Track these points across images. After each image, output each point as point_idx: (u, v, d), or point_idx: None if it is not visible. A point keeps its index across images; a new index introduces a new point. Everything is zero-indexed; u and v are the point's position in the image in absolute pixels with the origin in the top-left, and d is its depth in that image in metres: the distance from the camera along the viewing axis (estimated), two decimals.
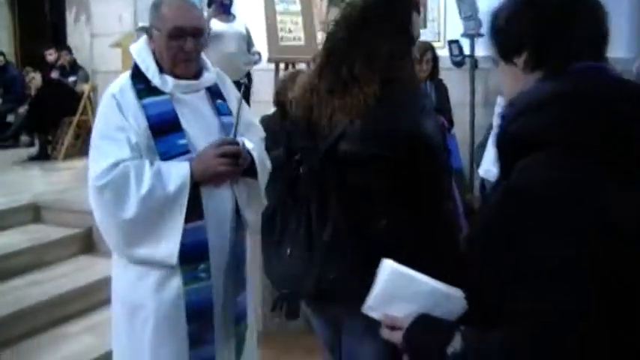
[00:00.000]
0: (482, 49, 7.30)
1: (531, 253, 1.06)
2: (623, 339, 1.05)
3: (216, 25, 6.50)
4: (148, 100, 2.23)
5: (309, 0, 7.57)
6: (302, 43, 7.23)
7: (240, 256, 2.39)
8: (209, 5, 6.69)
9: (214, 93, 2.39)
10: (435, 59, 5.45)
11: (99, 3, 7.94)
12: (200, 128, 2.28)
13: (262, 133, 2.60)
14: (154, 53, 2.28)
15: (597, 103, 1.10)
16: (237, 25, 6.93)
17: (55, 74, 8.90)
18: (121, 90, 2.25)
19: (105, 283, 4.24)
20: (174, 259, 2.16)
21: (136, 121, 2.19)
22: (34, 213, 5.29)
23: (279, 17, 7.11)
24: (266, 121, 4.12)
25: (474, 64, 7.04)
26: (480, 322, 1.16)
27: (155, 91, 2.25)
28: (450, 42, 7.01)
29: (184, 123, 2.24)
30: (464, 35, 7.22)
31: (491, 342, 1.10)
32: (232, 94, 2.47)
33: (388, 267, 1.33)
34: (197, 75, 2.34)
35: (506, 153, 1.16)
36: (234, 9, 6.82)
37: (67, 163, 7.77)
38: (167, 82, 2.26)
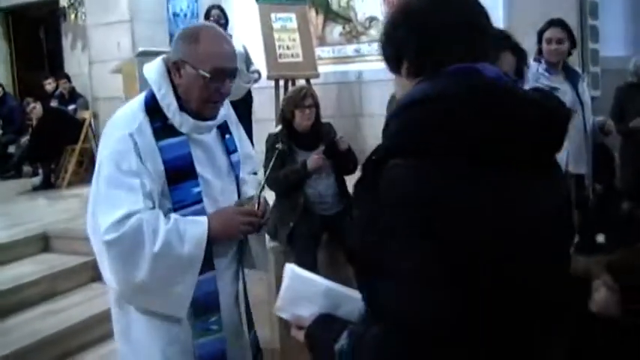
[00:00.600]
0: None
1: (386, 254, 1.12)
2: (480, 331, 1.11)
3: None
4: (164, 142, 2.04)
5: (306, 16, 7.60)
6: (300, 59, 7.28)
7: (246, 296, 2.36)
8: None
9: (223, 128, 2.27)
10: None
11: (96, 30, 7.99)
12: (213, 171, 2.17)
13: (255, 166, 2.53)
14: (173, 86, 2.08)
15: (455, 102, 1.14)
16: (235, 45, 6.93)
17: (54, 103, 8.93)
18: (139, 129, 2.03)
19: None
20: (183, 313, 2.07)
21: (153, 166, 2.02)
22: (43, 243, 5.30)
23: (276, 35, 7.16)
24: (272, 139, 4.15)
25: None
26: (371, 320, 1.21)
27: (171, 131, 2.07)
28: None
29: (198, 167, 2.10)
30: None
31: (366, 339, 1.15)
32: (234, 121, 2.40)
33: (289, 270, 1.44)
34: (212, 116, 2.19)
35: (385, 154, 1.19)
36: (230, 28, 6.85)
37: (71, 190, 7.76)
38: (187, 123, 2.08)
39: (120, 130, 2.04)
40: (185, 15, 8.34)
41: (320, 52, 8.12)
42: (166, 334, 2.10)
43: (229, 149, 2.27)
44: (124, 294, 2.07)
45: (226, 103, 2.27)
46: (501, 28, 1.30)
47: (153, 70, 2.12)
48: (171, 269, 1.99)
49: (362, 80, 7.82)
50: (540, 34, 4.31)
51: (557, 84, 4.10)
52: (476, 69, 1.21)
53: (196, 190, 2.08)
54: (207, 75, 2.02)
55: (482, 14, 1.29)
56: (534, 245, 1.16)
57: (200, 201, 2.09)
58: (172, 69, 2.07)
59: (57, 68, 10.13)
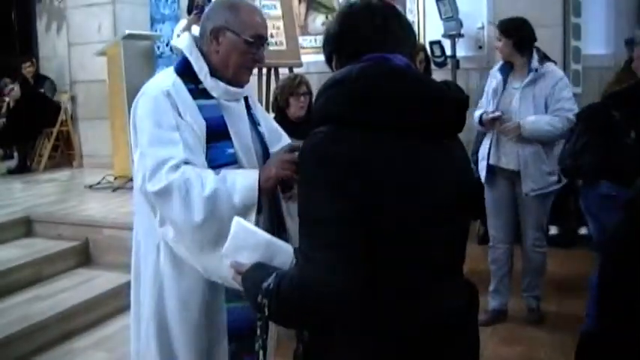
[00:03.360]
0: (464, 49, 7.43)
1: (305, 205, 1.37)
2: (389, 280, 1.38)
3: (197, 32, 6.43)
4: (200, 102, 2.10)
5: (290, 4, 7.56)
6: (284, 47, 7.22)
7: None
8: (189, 12, 6.63)
9: (248, 102, 2.32)
10: (428, 59, 5.52)
11: (76, 11, 7.83)
12: (243, 138, 2.19)
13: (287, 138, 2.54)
14: (203, 54, 2.15)
15: (364, 80, 1.41)
16: None
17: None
18: (174, 86, 2.08)
19: (108, 297, 4.27)
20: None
21: (193, 119, 2.05)
22: (26, 227, 5.21)
23: None
24: None
25: (456, 64, 7.12)
26: None
27: (204, 94, 2.13)
28: (432, 43, 7.07)
29: (232, 134, 2.14)
30: (444, 36, 7.29)
31: (287, 277, 1.36)
32: (255, 99, 2.45)
33: (235, 222, 1.62)
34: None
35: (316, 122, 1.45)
36: None
37: (47, 174, 7.66)
38: (218, 87, 2.14)
39: (154, 91, 2.09)
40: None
41: (302, 41, 8.08)
42: (200, 296, 2.10)
43: (256, 121, 2.32)
44: (185, 241, 2.03)
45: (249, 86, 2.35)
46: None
47: (183, 40, 2.22)
48: (222, 219, 1.93)
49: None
50: None
51: (515, 82, 4.10)
52: (386, 57, 1.49)
53: (230, 150, 2.11)
54: (250, 40, 2.11)
55: (397, 17, 1.58)
56: (429, 204, 1.41)
57: (234, 162, 2.11)
58: (209, 37, 2.13)
59: (29, 50, 9.92)
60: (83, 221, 5.07)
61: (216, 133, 2.09)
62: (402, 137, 1.39)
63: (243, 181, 2.00)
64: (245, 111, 2.27)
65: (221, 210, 1.95)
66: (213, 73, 2.15)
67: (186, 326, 2.11)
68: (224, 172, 2.01)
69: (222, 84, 2.14)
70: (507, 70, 4.15)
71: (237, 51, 2.12)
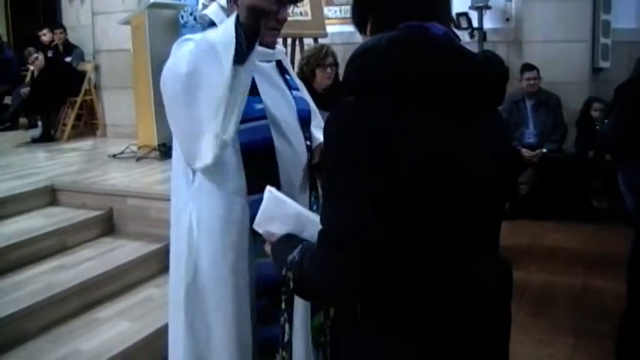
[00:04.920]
0: (491, 21, 7.30)
1: (328, 177, 1.33)
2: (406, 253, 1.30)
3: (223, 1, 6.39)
4: None
5: None
6: (309, 18, 7.14)
7: None
8: None
9: (282, 67, 2.31)
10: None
11: None
12: (275, 98, 2.18)
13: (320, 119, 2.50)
14: None
15: (394, 50, 1.33)
16: None
17: (48, 54, 8.72)
18: (202, 38, 2.01)
19: (131, 266, 4.27)
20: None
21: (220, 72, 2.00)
22: (51, 196, 5.22)
23: None
24: None
25: (483, 36, 7.00)
26: None
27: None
28: (458, 14, 6.95)
29: (260, 90, 2.13)
30: (471, 8, 7.18)
31: (310, 250, 1.36)
32: (293, 71, 2.43)
33: (267, 192, 1.64)
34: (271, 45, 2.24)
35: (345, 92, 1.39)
36: None
37: (71, 144, 7.67)
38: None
39: (184, 40, 2.03)
40: None
41: (327, 11, 7.99)
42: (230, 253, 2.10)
43: (290, 85, 2.29)
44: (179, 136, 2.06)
45: (283, 51, 2.38)
46: None
47: (210, 7, 2.22)
48: (208, 57, 1.90)
49: None
50: None
51: None
52: (423, 26, 1.38)
53: (259, 106, 2.10)
54: None
55: None
56: (461, 180, 1.33)
57: (264, 117, 2.10)
58: (230, 3, 2.11)
59: (52, 19, 9.91)
60: (107, 191, 5.07)
61: None
62: (432, 110, 1.30)
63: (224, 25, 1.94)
64: (277, 73, 2.26)
65: (204, 52, 1.91)
66: None
67: (217, 284, 2.12)
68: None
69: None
70: None
71: None
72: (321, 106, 4.26)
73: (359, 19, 1.49)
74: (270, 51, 2.22)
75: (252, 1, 1.91)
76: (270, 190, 1.64)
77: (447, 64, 1.34)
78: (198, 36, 1.99)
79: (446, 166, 1.31)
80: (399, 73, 1.30)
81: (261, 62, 2.19)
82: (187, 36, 2.05)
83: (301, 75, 4.25)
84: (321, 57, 4.15)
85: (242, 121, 2.02)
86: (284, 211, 1.58)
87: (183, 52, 1.96)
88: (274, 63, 2.27)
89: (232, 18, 1.91)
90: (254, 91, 2.09)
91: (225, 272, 2.12)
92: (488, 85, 1.41)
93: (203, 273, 2.14)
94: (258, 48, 2.11)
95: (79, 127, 8.36)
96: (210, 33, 1.95)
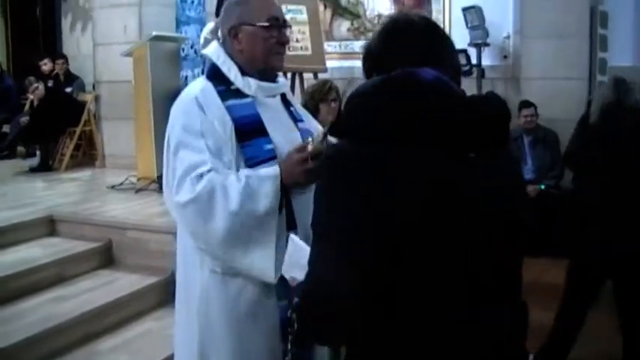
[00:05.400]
0: (489, 58, 7.37)
1: (315, 213, 1.34)
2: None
3: None
4: (231, 102, 2.10)
5: (316, 10, 7.54)
6: (309, 52, 7.21)
7: None
8: (217, 14, 6.63)
9: (286, 99, 2.31)
10: None
11: (102, 11, 7.82)
12: (283, 134, 2.16)
13: None
14: (230, 57, 2.17)
15: (377, 96, 1.39)
16: None
17: (49, 84, 8.76)
18: (202, 91, 2.10)
19: (130, 299, 4.25)
20: (271, 272, 1.98)
21: (221, 124, 2.04)
22: (50, 226, 5.20)
23: None
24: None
25: (481, 73, 7.07)
26: None
27: (237, 93, 2.13)
28: (458, 51, 7.01)
29: (268, 128, 2.11)
30: (470, 45, 7.26)
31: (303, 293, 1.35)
32: (295, 101, 2.43)
33: (290, 239, 1.73)
34: (274, 79, 2.25)
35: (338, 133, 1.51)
36: None
37: (70, 174, 7.66)
38: (250, 84, 2.14)
39: (184, 99, 2.12)
40: (192, 2, 8.21)
41: (326, 46, 8.06)
42: (250, 295, 2.06)
43: (296, 117, 2.30)
44: (213, 254, 2.05)
45: (285, 83, 2.38)
46: None
47: (210, 47, 2.25)
48: (249, 227, 1.97)
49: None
50: None
51: None
52: (410, 71, 1.42)
53: (268, 146, 2.09)
54: (266, 24, 2.13)
55: (437, 32, 1.56)
56: (457, 221, 1.32)
57: (274, 157, 2.07)
58: (230, 37, 2.16)
59: (52, 48, 9.96)
60: (106, 222, 5.06)
61: (250, 131, 2.08)
62: (420, 153, 1.32)
63: (267, 184, 1.99)
64: (283, 107, 2.27)
65: (246, 221, 1.97)
66: (244, 72, 2.15)
67: (232, 327, 2.07)
68: (246, 177, 1.99)
69: (253, 80, 2.15)
70: None
71: (259, 39, 2.13)
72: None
73: (367, 73, 1.57)
74: (275, 85, 2.24)
75: (304, 170, 1.98)
76: (292, 237, 1.72)
77: (428, 107, 1.36)
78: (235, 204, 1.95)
79: (439, 208, 1.30)
80: (381, 116, 1.35)
81: (267, 98, 2.20)
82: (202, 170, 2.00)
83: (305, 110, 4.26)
84: (324, 92, 4.17)
85: (252, 164, 2.04)
86: (304, 257, 1.58)
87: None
88: (279, 97, 2.28)
89: (277, 183, 1.97)
90: (263, 130, 2.10)
91: (241, 316, 2.08)
92: (478, 125, 1.40)
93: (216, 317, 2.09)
94: (263, 84, 2.17)
95: (77, 157, 8.36)
96: (251, 181, 1.97)
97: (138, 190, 6.11)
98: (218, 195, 1.95)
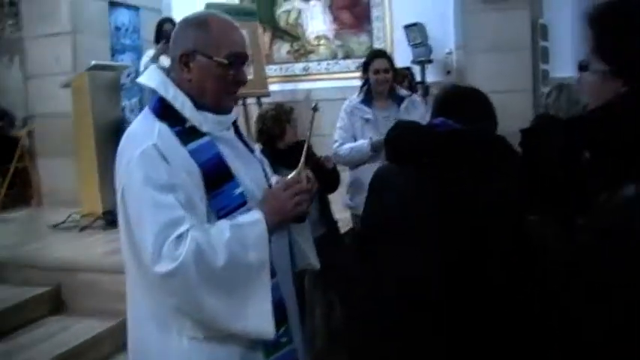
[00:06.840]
0: (433, 74, 7.38)
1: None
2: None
3: (166, 61, 6.24)
4: (193, 145, 1.83)
5: (257, 33, 7.43)
6: (251, 77, 7.06)
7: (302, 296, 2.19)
8: (157, 41, 6.42)
9: (238, 129, 2.07)
10: (411, 85, 5.65)
11: (34, 41, 7.45)
12: (248, 173, 1.95)
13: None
14: (179, 86, 1.90)
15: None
16: None
17: None
18: (160, 137, 1.80)
19: (87, 347, 3.95)
20: (270, 329, 1.79)
21: (188, 174, 1.79)
22: None
23: None
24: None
25: (425, 90, 7.06)
26: None
27: (194, 133, 1.85)
28: (402, 69, 7.01)
29: (233, 168, 1.88)
30: (414, 62, 7.26)
31: None
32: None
33: None
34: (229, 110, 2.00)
35: None
36: None
37: (4, 214, 7.23)
38: (207, 119, 1.88)
39: (139, 147, 1.79)
40: (127, 29, 7.97)
41: (267, 70, 7.94)
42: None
43: (251, 148, 2.09)
44: (201, 320, 1.81)
45: (235, 110, 2.12)
46: None
47: (151, 75, 1.95)
48: (243, 282, 1.78)
49: (311, 99, 7.69)
50: (366, 65, 4.56)
51: (383, 112, 4.49)
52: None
53: (238, 191, 1.86)
54: (225, 61, 1.86)
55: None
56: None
57: (244, 203, 1.86)
58: (179, 63, 1.89)
59: None
60: (53, 265, 4.73)
61: (217, 176, 1.84)
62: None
63: (254, 232, 1.81)
64: (237, 138, 2.03)
65: (238, 275, 1.78)
66: (197, 105, 1.89)
67: None
68: (230, 227, 1.79)
69: (210, 115, 1.89)
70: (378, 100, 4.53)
71: (212, 76, 1.87)
72: (283, 163, 4.13)
73: None
74: (231, 116, 1.99)
75: (300, 210, 1.91)
76: None
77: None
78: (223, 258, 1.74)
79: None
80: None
81: (223, 131, 1.96)
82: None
83: (265, 134, 4.11)
84: (288, 113, 4.07)
85: (224, 215, 1.83)
86: None
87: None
88: (232, 128, 2.03)
89: (264, 229, 1.81)
90: (229, 174, 1.87)
91: None
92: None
93: None
94: (221, 118, 1.93)
95: (10, 196, 7.92)
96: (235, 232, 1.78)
97: (82, 228, 5.77)
98: (206, 257, 1.72)
